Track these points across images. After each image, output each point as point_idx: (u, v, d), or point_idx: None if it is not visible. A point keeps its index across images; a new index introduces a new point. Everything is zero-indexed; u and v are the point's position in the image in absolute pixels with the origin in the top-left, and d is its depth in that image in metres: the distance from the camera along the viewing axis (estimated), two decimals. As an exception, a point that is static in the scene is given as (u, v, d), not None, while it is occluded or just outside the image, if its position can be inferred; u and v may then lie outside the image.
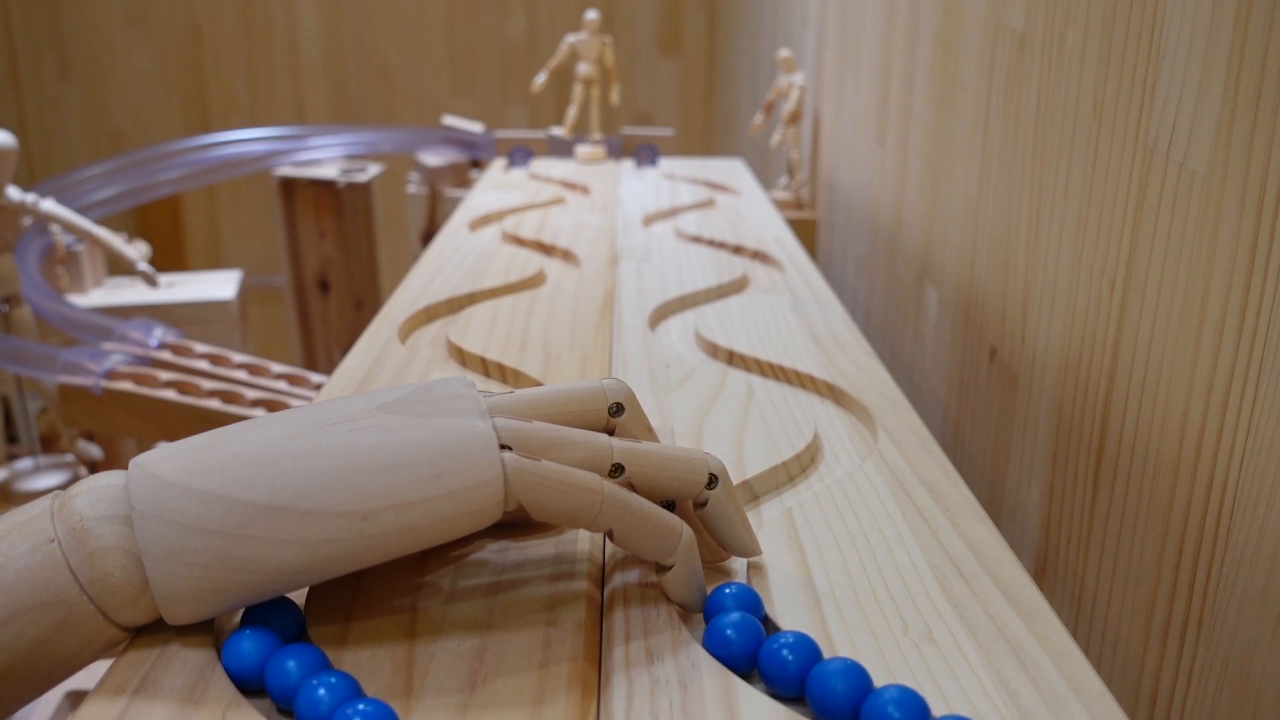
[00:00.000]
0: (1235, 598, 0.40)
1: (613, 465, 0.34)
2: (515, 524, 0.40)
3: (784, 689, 0.31)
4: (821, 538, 0.40)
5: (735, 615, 0.33)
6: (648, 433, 0.38)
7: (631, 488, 0.35)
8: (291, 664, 0.31)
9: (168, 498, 0.31)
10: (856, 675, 0.30)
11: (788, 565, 0.38)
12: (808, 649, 0.32)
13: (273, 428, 0.33)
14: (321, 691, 0.29)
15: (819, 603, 0.36)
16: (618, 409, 0.37)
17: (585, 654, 0.33)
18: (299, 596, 0.36)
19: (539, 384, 0.55)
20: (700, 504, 0.36)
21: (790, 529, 0.41)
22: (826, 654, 0.33)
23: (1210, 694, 0.42)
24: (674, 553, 0.34)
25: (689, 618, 0.36)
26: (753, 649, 0.32)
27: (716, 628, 0.33)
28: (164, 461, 0.32)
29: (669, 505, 0.37)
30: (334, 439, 0.32)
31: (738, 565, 0.38)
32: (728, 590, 0.35)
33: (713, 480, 0.36)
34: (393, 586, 0.36)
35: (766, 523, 0.41)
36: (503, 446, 0.33)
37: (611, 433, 0.37)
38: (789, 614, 0.35)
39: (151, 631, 0.33)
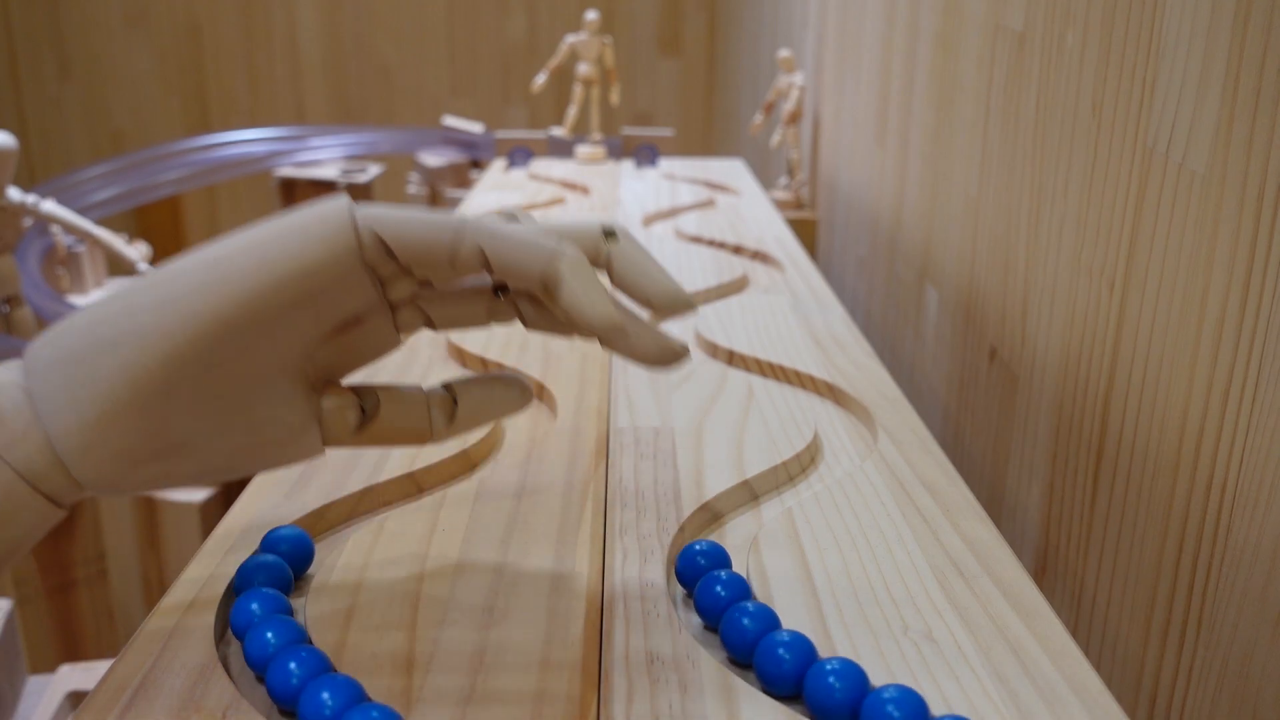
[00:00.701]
0: (1235, 597, 0.40)
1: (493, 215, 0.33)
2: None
3: (779, 688, 0.31)
4: (821, 538, 0.40)
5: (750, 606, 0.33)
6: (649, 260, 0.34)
7: None
8: (293, 665, 0.31)
9: (56, 325, 0.32)
10: (854, 675, 0.30)
11: (788, 565, 0.38)
12: (804, 648, 0.31)
13: None
14: (325, 695, 0.29)
15: (819, 602, 0.36)
16: (610, 233, 0.34)
17: (585, 654, 0.33)
18: (304, 604, 0.36)
19: (540, 385, 0.55)
20: (608, 266, 0.33)
21: (790, 529, 0.41)
22: (826, 654, 0.33)
23: (1210, 693, 0.42)
24: (558, 261, 0.31)
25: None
26: (753, 640, 0.32)
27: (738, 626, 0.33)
28: None
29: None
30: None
31: (736, 562, 0.38)
32: (697, 548, 0.36)
33: (610, 234, 0.33)
34: (393, 587, 0.36)
35: (766, 523, 0.41)
36: None
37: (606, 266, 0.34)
38: (789, 614, 0.35)
39: (151, 631, 0.33)
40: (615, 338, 0.33)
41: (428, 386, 0.36)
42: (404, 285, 0.33)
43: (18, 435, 0.31)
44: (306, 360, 0.33)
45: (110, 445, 0.31)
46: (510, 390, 0.37)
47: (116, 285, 1.25)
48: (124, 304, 0.31)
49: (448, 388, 0.36)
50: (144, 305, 0.31)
